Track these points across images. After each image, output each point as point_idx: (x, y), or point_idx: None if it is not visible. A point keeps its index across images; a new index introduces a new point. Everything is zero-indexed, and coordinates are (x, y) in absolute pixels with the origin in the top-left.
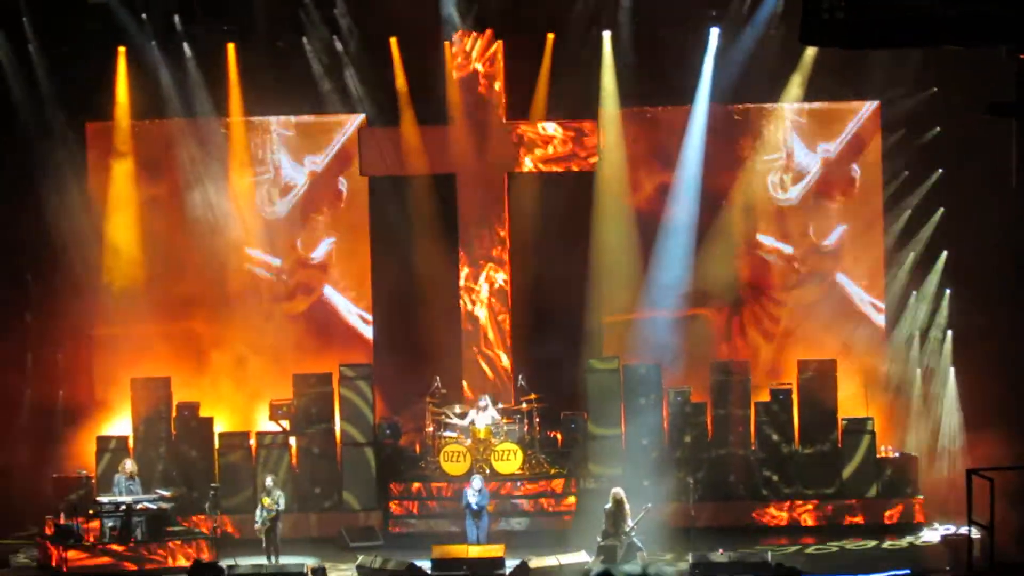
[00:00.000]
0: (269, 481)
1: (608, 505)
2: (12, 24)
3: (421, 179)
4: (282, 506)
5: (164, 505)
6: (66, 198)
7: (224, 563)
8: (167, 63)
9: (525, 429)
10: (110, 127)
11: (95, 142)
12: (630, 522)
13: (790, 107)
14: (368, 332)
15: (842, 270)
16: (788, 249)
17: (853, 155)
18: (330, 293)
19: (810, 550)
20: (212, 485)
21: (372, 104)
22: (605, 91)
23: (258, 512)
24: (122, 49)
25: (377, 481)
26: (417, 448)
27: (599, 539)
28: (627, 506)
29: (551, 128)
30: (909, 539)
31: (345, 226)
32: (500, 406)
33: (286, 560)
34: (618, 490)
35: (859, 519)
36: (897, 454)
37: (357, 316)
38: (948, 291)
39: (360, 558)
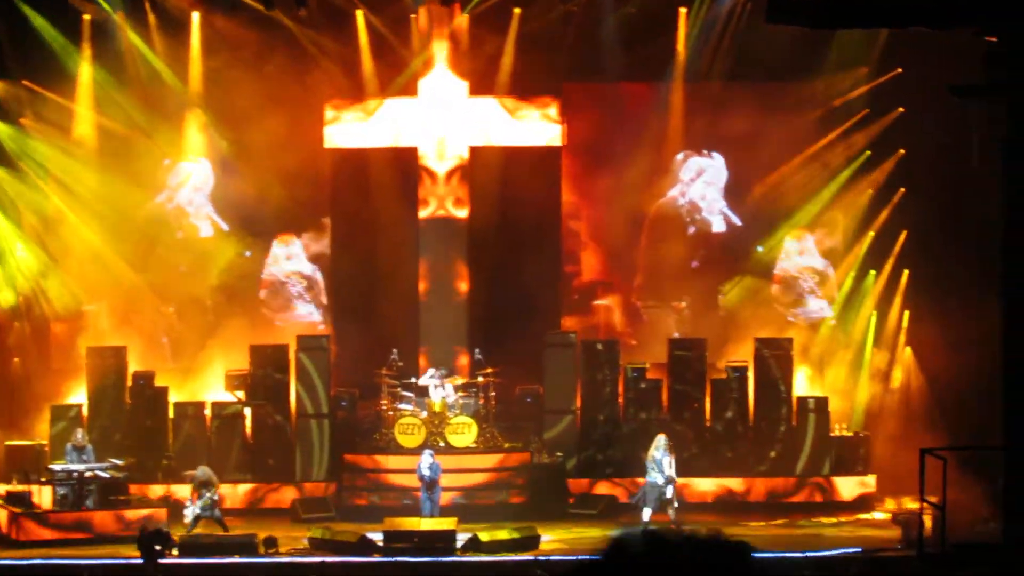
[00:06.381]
0: (203, 472)
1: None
2: None
3: (383, 152)
4: (216, 497)
5: (116, 473)
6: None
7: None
8: (132, 29)
9: (480, 403)
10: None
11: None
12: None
13: (754, 85)
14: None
15: (801, 250)
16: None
17: (816, 134)
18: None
19: (761, 527)
20: (166, 454)
21: (337, 76)
22: (571, 67)
23: (192, 508)
24: (86, 17)
25: (331, 453)
26: (374, 412)
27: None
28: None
29: (515, 103)
30: (860, 517)
31: (305, 199)
32: (457, 381)
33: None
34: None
35: (811, 497)
36: (850, 433)
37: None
38: (906, 271)
39: (312, 529)
